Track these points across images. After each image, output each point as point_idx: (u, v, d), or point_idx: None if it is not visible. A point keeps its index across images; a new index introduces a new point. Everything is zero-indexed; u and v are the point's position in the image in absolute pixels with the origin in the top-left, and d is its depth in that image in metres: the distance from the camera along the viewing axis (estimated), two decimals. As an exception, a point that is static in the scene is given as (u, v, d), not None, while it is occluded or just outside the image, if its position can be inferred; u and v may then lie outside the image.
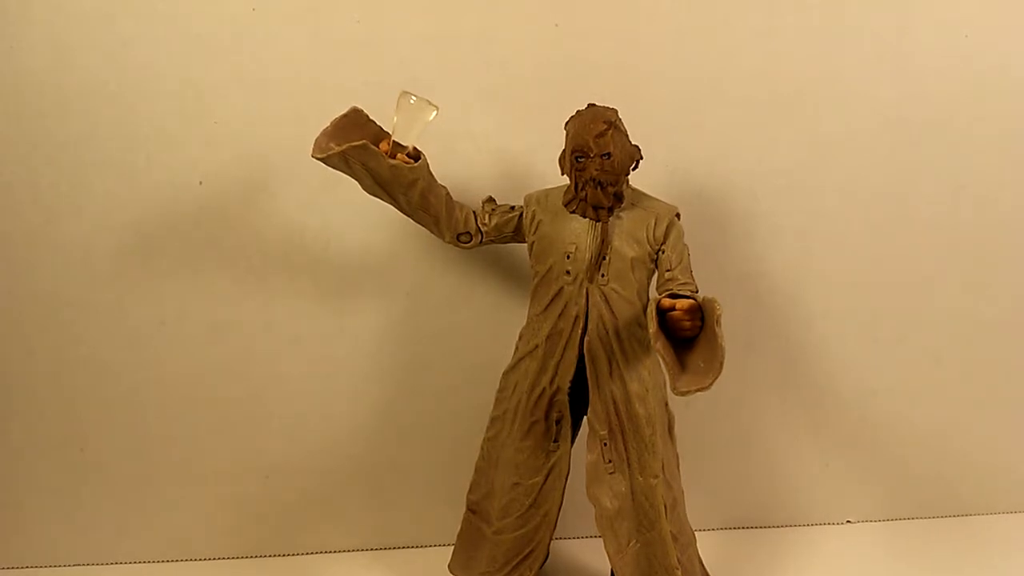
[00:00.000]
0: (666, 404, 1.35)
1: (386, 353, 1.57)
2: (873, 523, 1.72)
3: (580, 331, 1.30)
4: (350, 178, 1.26)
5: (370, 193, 1.28)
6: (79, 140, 1.44)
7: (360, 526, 1.63)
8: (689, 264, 1.30)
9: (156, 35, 1.42)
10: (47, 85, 1.42)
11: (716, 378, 1.06)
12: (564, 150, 1.30)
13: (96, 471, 1.56)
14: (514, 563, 1.39)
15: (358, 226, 1.51)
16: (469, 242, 1.36)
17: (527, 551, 1.38)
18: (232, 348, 1.54)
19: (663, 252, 1.30)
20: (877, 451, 1.71)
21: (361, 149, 1.18)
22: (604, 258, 1.29)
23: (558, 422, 1.34)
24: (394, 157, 1.23)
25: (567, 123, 1.29)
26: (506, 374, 1.38)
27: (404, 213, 1.31)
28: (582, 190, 1.28)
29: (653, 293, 1.29)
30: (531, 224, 1.34)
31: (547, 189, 1.36)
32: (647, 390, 1.31)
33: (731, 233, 1.59)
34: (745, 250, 1.60)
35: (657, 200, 1.34)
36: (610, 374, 1.31)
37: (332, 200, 1.49)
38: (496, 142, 1.50)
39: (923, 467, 1.72)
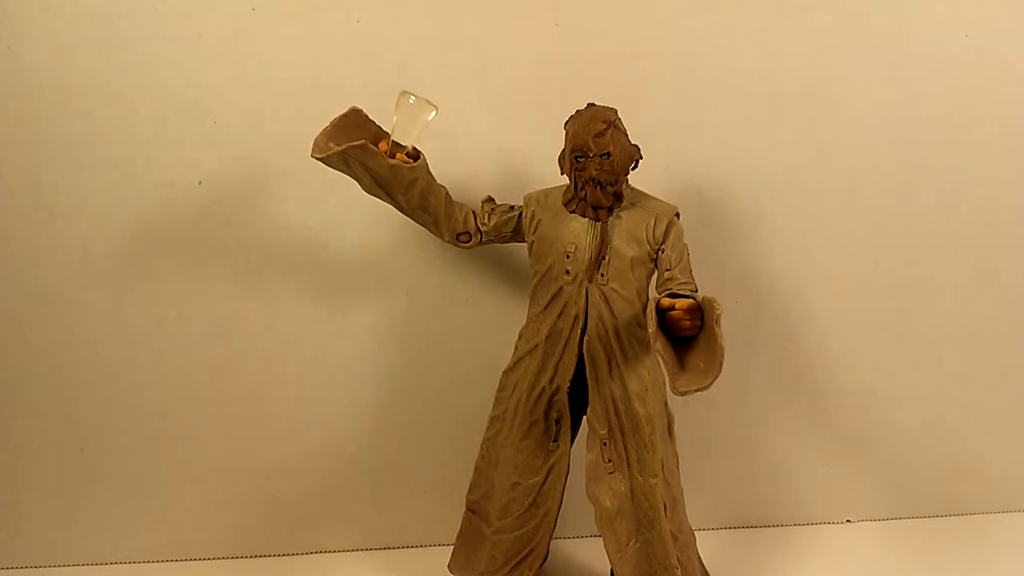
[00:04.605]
0: (666, 404, 1.35)
1: (386, 353, 1.57)
2: (873, 522, 1.72)
3: (580, 331, 1.30)
4: (350, 178, 1.26)
5: (369, 193, 1.28)
6: (79, 140, 1.44)
7: (360, 526, 1.63)
8: (689, 264, 1.30)
9: (156, 35, 1.42)
10: (47, 85, 1.42)
11: (716, 378, 1.06)
12: (564, 150, 1.30)
13: (96, 471, 1.56)
14: (513, 563, 1.39)
15: (358, 226, 1.52)
16: (468, 242, 1.36)
17: (526, 551, 1.39)
18: (232, 348, 1.54)
19: (663, 252, 1.30)
20: (877, 451, 1.71)
21: (360, 149, 1.18)
22: (604, 258, 1.29)
23: (557, 422, 1.35)
24: (393, 157, 1.23)
25: (567, 123, 1.29)
26: (506, 374, 1.38)
27: (403, 213, 1.31)
28: (582, 190, 1.28)
29: (653, 293, 1.29)
30: (530, 224, 1.34)
31: (547, 189, 1.36)
32: (647, 389, 1.31)
33: (731, 233, 1.59)
34: (745, 250, 1.60)
35: (657, 200, 1.34)
36: (610, 374, 1.31)
37: (332, 200, 1.49)
38: (496, 142, 1.50)
39: (923, 467, 1.72)
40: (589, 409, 1.34)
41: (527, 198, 1.36)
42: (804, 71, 1.54)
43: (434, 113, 1.23)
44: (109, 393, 1.54)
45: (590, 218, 1.29)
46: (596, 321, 1.29)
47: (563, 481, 1.36)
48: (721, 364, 1.07)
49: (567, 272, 1.29)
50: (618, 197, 1.29)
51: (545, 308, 1.32)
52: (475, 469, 1.43)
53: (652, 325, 1.13)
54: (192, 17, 1.42)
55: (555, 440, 1.35)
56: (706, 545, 1.47)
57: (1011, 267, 1.66)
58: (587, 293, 1.29)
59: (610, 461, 1.33)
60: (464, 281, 1.56)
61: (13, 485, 1.56)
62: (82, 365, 1.52)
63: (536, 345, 1.33)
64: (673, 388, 1.07)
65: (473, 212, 1.36)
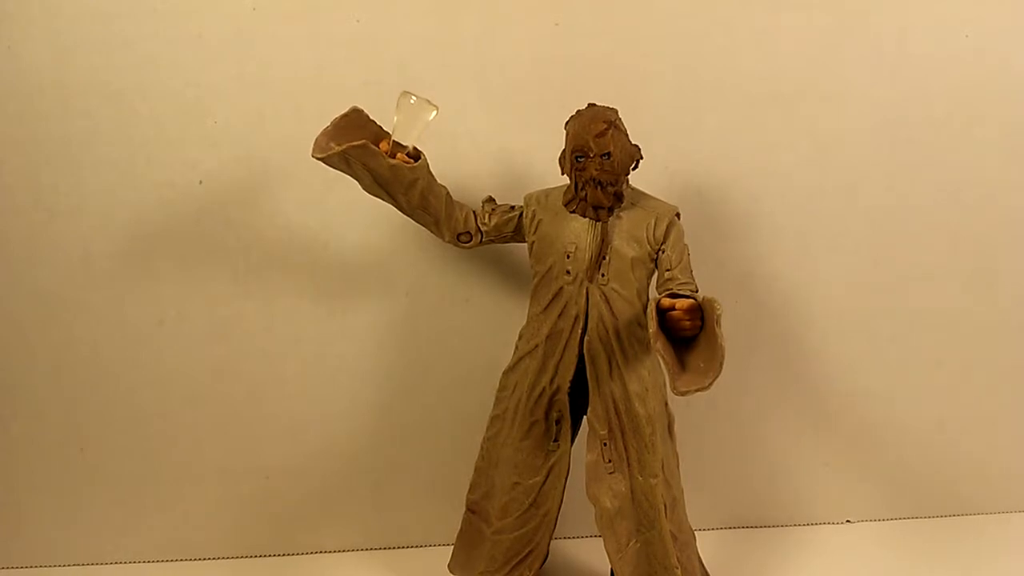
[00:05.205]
0: (666, 404, 1.35)
1: (386, 353, 1.57)
2: (873, 522, 1.72)
3: (580, 331, 1.30)
4: (350, 178, 1.26)
5: (370, 193, 1.28)
6: (79, 140, 1.44)
7: (360, 526, 1.63)
8: (689, 264, 1.30)
9: (156, 35, 1.42)
10: (47, 85, 1.42)
11: (716, 378, 1.06)
12: (564, 150, 1.30)
13: (96, 471, 1.56)
14: (513, 563, 1.39)
15: (358, 226, 1.52)
16: (469, 242, 1.36)
17: (527, 551, 1.38)
18: (232, 348, 1.54)
19: (663, 252, 1.30)
20: (877, 451, 1.71)
21: (361, 149, 1.18)
22: (604, 258, 1.29)
23: (558, 422, 1.35)
24: (394, 157, 1.23)
25: (567, 123, 1.29)
26: (506, 374, 1.38)
27: (404, 213, 1.31)
28: (582, 190, 1.28)
29: (653, 293, 1.29)
30: (531, 224, 1.34)
31: (547, 189, 1.36)
32: (647, 390, 1.31)
33: (731, 233, 1.59)
34: (745, 250, 1.60)
35: (657, 200, 1.34)
36: (610, 374, 1.31)
37: (332, 200, 1.49)
38: (496, 142, 1.50)
39: (923, 467, 1.72)
40: (589, 409, 1.33)
41: (527, 198, 1.36)
42: (804, 71, 1.54)
43: (435, 113, 1.23)
44: (109, 393, 1.54)
45: (590, 218, 1.29)
46: (596, 321, 1.29)
47: (563, 481, 1.36)
48: (721, 364, 1.07)
49: (567, 272, 1.29)
50: (618, 197, 1.29)
51: (545, 308, 1.32)
52: (475, 469, 1.43)
53: (652, 325, 1.13)
54: (192, 17, 1.42)
55: (555, 440, 1.35)
56: (706, 545, 1.47)
57: (1011, 267, 1.66)
58: (587, 293, 1.29)
59: (610, 461, 1.33)
60: (464, 281, 1.56)
61: (13, 485, 1.56)
62: (82, 365, 1.52)
63: (536, 345, 1.33)
64: (673, 388, 1.07)
65: (473, 212, 1.36)
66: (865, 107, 1.56)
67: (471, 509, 1.44)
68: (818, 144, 1.57)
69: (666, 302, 1.16)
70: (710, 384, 1.06)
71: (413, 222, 1.34)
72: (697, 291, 1.27)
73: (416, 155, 1.25)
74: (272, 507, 1.60)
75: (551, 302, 1.31)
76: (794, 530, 1.69)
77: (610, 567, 1.37)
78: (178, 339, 1.53)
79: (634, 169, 1.31)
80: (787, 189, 1.58)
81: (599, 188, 1.27)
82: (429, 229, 1.35)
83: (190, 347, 1.53)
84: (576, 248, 1.29)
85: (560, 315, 1.31)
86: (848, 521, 1.73)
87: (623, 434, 1.32)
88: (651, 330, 1.13)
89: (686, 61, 1.51)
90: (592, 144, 1.25)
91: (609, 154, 1.25)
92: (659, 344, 1.11)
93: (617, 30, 1.49)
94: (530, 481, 1.36)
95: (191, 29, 1.42)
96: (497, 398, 1.39)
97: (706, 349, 1.11)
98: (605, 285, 1.29)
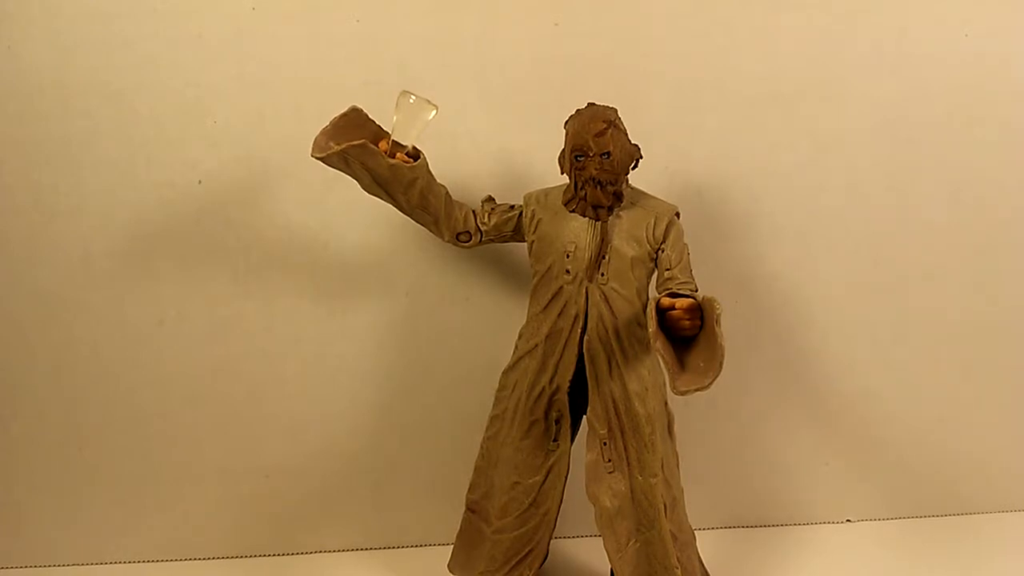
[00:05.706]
0: (666, 403, 1.35)
1: (386, 353, 1.57)
2: (873, 522, 1.72)
3: (580, 330, 1.30)
4: (350, 178, 1.26)
5: (369, 192, 1.28)
6: (79, 140, 1.44)
7: (360, 526, 1.63)
8: (689, 263, 1.30)
9: (156, 35, 1.42)
10: (47, 85, 1.42)
11: (716, 377, 1.06)
12: (564, 149, 1.30)
13: (96, 471, 1.56)
14: (513, 562, 1.39)
15: (358, 226, 1.52)
16: (468, 241, 1.36)
17: (526, 550, 1.38)
18: (232, 348, 1.54)
19: (663, 251, 1.30)
20: (877, 450, 1.71)
21: (360, 148, 1.18)
22: (604, 257, 1.29)
23: (557, 421, 1.35)
24: (393, 156, 1.23)
25: (567, 122, 1.30)
26: (506, 373, 1.38)
27: (403, 212, 1.31)
28: (582, 189, 1.28)
29: (653, 292, 1.29)
30: (530, 223, 1.34)
31: (547, 188, 1.36)
32: (647, 389, 1.31)
33: (731, 233, 1.59)
34: (745, 250, 1.60)
35: (657, 199, 1.34)
36: (610, 373, 1.31)
37: (332, 200, 1.49)
38: (496, 142, 1.50)
39: (923, 466, 1.72)
40: (589, 409, 1.34)
41: (527, 197, 1.36)
42: (804, 71, 1.54)
43: (434, 113, 1.23)
44: (109, 393, 1.54)
45: (590, 217, 1.29)
46: (596, 321, 1.29)
47: (563, 481, 1.36)
48: (721, 364, 1.07)
49: (567, 271, 1.29)
50: (618, 197, 1.29)
51: (545, 307, 1.32)
52: (475, 469, 1.43)
53: (652, 324, 1.13)
54: (192, 17, 1.42)
55: (555, 440, 1.35)
56: (706, 545, 1.47)
57: (1011, 267, 1.66)
58: (587, 292, 1.29)
59: (610, 461, 1.33)
60: (464, 281, 1.56)
61: (13, 485, 1.56)
62: (82, 365, 1.52)
63: (536, 344, 1.33)
64: (673, 388, 1.07)
65: (473, 212, 1.36)
66: (865, 107, 1.56)
67: (471, 509, 1.45)
68: (818, 144, 1.57)
69: (666, 301, 1.16)
70: (710, 384, 1.06)
71: (413, 222, 1.34)
72: (697, 291, 1.27)
73: (415, 154, 1.25)
74: (272, 507, 1.60)
75: (551, 301, 1.31)
76: (794, 530, 1.69)
77: (610, 567, 1.37)
78: (178, 339, 1.53)
79: (634, 168, 1.31)
80: (787, 189, 1.58)
81: (599, 187, 1.27)
82: (428, 229, 1.35)
83: (190, 347, 1.53)
84: (576, 247, 1.29)
85: (560, 314, 1.31)
86: (848, 521, 1.73)
87: (623, 433, 1.32)
88: (651, 329, 1.13)
89: (686, 61, 1.51)
90: (592, 143, 1.25)
91: (609, 153, 1.25)
92: (659, 344, 1.11)
93: (617, 30, 1.49)
94: (530, 481, 1.36)
95: (191, 29, 1.42)
96: (497, 398, 1.39)
97: (706, 349, 1.11)
98: (605, 284, 1.29)
